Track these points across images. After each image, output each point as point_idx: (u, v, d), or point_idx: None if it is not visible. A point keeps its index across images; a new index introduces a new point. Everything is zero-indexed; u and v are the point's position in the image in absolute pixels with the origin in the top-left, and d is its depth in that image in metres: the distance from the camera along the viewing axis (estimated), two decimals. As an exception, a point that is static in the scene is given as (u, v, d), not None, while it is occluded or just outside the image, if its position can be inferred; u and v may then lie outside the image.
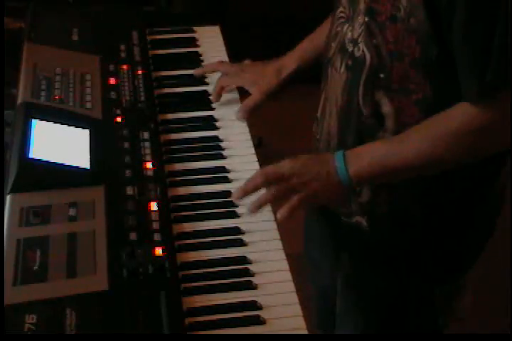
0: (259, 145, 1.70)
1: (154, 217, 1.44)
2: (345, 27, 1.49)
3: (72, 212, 1.42)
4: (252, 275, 1.40)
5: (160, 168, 1.57)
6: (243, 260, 1.43)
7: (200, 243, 1.46)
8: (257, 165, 1.62)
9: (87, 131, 1.58)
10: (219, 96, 1.79)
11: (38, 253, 1.34)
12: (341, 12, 1.51)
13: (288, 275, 1.41)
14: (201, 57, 1.94)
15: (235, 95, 1.82)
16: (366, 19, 1.42)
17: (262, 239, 1.47)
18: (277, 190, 1.45)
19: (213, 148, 1.67)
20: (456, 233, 1.57)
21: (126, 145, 1.59)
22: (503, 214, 1.64)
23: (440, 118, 1.39)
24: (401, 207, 1.52)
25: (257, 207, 1.46)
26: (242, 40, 1.91)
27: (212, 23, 2.06)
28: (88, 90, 1.70)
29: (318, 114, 1.62)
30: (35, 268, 1.31)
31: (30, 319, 1.23)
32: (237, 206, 1.53)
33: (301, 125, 1.92)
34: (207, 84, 1.86)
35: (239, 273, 1.40)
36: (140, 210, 1.45)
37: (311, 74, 1.74)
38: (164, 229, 1.42)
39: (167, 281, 1.34)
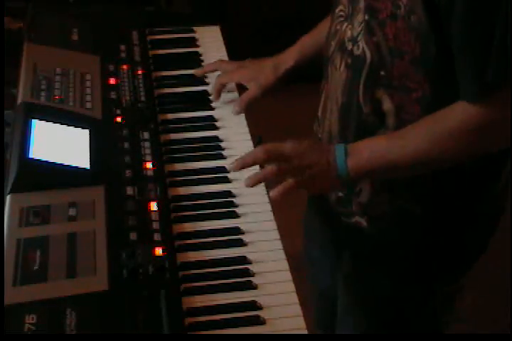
0: (259, 145, 1.70)
1: (154, 217, 1.44)
2: (345, 25, 1.49)
3: (72, 212, 1.42)
4: (252, 275, 1.40)
5: (160, 168, 1.57)
6: (243, 260, 1.43)
7: (201, 243, 1.46)
8: (257, 165, 1.62)
9: (87, 131, 1.58)
10: (218, 94, 1.79)
11: (38, 253, 1.34)
12: (341, 10, 1.51)
13: (288, 275, 1.41)
14: (201, 57, 1.94)
15: (235, 95, 1.82)
16: (366, 17, 1.42)
17: (262, 239, 1.47)
18: (277, 168, 1.44)
19: (213, 148, 1.67)
20: (457, 233, 1.57)
21: (126, 145, 1.59)
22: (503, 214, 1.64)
23: (439, 117, 1.39)
24: (401, 208, 1.52)
25: (254, 182, 1.46)
26: (242, 40, 1.91)
27: (212, 23, 2.07)
28: (88, 90, 1.70)
29: (319, 113, 1.62)
30: (35, 268, 1.31)
31: (30, 319, 1.23)
32: (237, 206, 1.53)
33: (301, 125, 1.92)
34: (207, 84, 1.86)
35: (239, 273, 1.40)
36: (140, 210, 1.45)
37: (312, 73, 1.74)
38: (164, 229, 1.42)
39: (167, 281, 1.33)
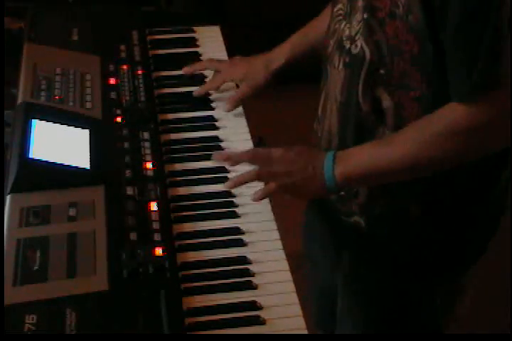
0: (259, 145, 1.70)
1: (154, 217, 1.44)
2: (343, 24, 1.49)
3: (72, 212, 1.42)
4: (252, 275, 1.40)
5: (160, 168, 1.57)
6: (243, 260, 1.43)
7: (201, 243, 1.46)
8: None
9: (87, 131, 1.58)
10: (205, 92, 1.80)
11: (38, 253, 1.34)
12: (339, 9, 1.51)
13: (288, 275, 1.41)
14: (201, 57, 1.94)
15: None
16: (365, 16, 1.42)
17: (262, 239, 1.48)
18: (257, 172, 1.48)
19: (213, 148, 1.67)
20: (456, 233, 1.57)
21: (126, 145, 1.59)
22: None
23: (428, 120, 1.39)
24: (399, 208, 1.52)
25: (237, 183, 1.51)
26: (242, 40, 1.91)
27: (212, 23, 2.07)
28: (88, 90, 1.71)
29: (319, 112, 1.62)
30: (35, 268, 1.31)
31: (30, 319, 1.23)
32: (237, 206, 1.53)
33: (301, 125, 1.92)
34: (207, 84, 1.86)
35: (239, 273, 1.40)
36: (140, 210, 1.45)
37: (312, 73, 1.74)
38: (164, 229, 1.42)
39: (167, 281, 1.33)
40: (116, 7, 2.00)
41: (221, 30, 2.04)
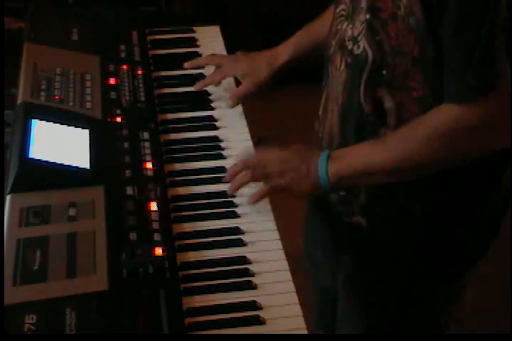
0: (259, 145, 1.70)
1: (154, 217, 1.44)
2: (345, 25, 1.49)
3: (72, 212, 1.42)
4: (252, 275, 1.40)
5: (160, 168, 1.57)
6: (243, 260, 1.43)
7: (200, 243, 1.46)
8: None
9: (87, 131, 1.58)
10: (206, 86, 1.80)
11: (38, 253, 1.34)
12: (342, 10, 1.51)
13: (288, 275, 1.41)
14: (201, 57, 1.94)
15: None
16: (368, 17, 1.42)
17: (262, 239, 1.48)
18: (253, 173, 1.49)
19: (213, 148, 1.67)
20: (457, 233, 1.56)
21: (126, 145, 1.59)
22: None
23: (421, 121, 1.39)
24: (401, 208, 1.52)
25: (234, 189, 1.52)
26: (242, 40, 1.91)
27: (212, 23, 2.06)
28: (88, 90, 1.70)
29: (320, 113, 1.62)
30: (35, 268, 1.31)
31: (30, 319, 1.23)
32: (237, 206, 1.53)
33: (301, 125, 1.92)
34: (207, 84, 1.86)
35: (239, 273, 1.40)
36: (140, 210, 1.45)
37: (312, 72, 1.74)
38: (164, 229, 1.42)
39: (167, 281, 1.33)
40: (116, 7, 2.00)
41: (221, 30, 2.04)
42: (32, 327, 1.22)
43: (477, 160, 1.43)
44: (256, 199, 1.50)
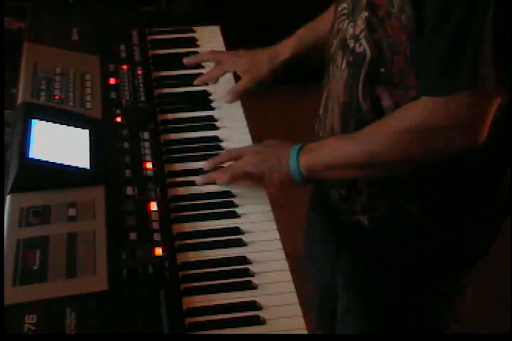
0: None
1: (154, 217, 1.44)
2: (347, 23, 1.49)
3: (72, 212, 1.42)
4: (252, 275, 1.40)
5: (160, 168, 1.57)
6: (243, 260, 1.43)
7: (201, 243, 1.46)
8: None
9: (87, 131, 1.58)
10: (203, 82, 1.81)
11: (38, 253, 1.34)
12: (344, 9, 1.51)
13: (288, 275, 1.41)
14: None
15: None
16: (367, 14, 1.42)
17: (262, 239, 1.47)
18: (231, 165, 1.55)
19: (213, 148, 1.67)
20: (457, 233, 1.56)
21: (126, 145, 1.59)
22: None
23: (394, 115, 1.40)
24: (400, 207, 1.52)
25: (209, 179, 1.56)
26: (242, 40, 1.91)
27: (212, 23, 2.06)
28: (88, 90, 1.70)
29: (321, 112, 1.62)
30: (35, 268, 1.31)
31: (30, 319, 1.23)
32: (237, 206, 1.53)
33: (301, 124, 1.92)
34: (207, 84, 1.86)
35: (239, 273, 1.40)
36: (140, 210, 1.45)
37: (312, 72, 1.74)
38: (164, 229, 1.42)
39: (167, 281, 1.33)
40: (116, 7, 2.00)
41: (221, 30, 2.04)
42: (32, 327, 1.22)
43: (477, 159, 1.43)
44: (222, 180, 1.53)
